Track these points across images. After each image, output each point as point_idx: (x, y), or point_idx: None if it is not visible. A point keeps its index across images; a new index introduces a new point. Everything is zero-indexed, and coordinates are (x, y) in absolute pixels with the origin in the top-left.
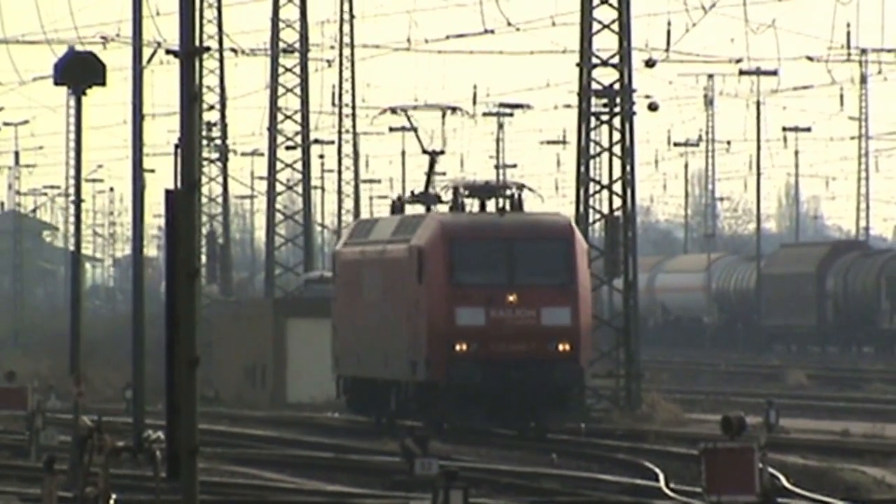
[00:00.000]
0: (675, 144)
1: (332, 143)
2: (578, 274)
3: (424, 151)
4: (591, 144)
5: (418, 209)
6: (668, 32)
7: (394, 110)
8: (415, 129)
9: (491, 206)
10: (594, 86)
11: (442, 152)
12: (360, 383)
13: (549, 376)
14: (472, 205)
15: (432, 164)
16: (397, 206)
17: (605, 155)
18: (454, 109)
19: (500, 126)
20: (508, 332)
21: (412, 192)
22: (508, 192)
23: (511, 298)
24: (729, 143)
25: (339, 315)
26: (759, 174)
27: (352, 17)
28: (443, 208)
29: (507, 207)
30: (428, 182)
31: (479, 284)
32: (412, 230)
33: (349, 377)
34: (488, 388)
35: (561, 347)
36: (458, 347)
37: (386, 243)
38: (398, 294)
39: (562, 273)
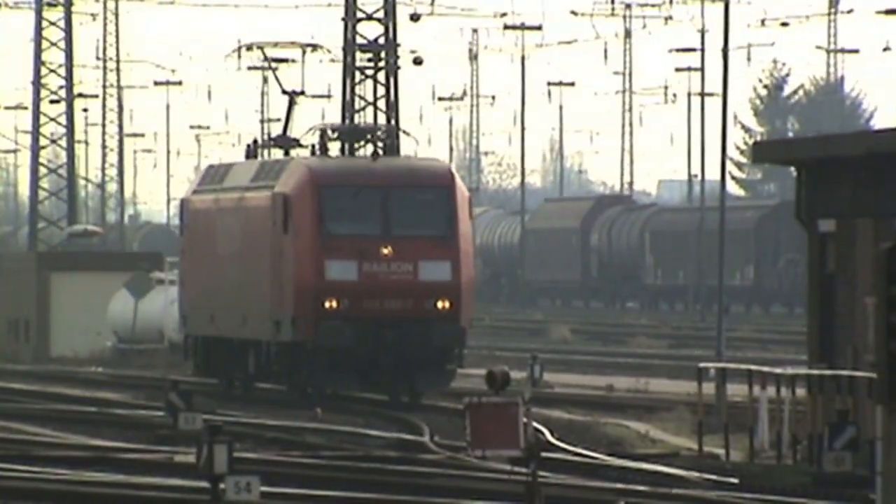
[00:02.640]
0: (440, 99)
1: (97, 97)
2: (459, 225)
3: (284, 92)
4: (356, 99)
5: (276, 155)
6: None
7: (249, 47)
8: (272, 68)
9: (362, 152)
10: (359, 40)
11: (302, 93)
12: (212, 344)
13: (427, 337)
14: (337, 150)
15: (291, 105)
16: (251, 151)
17: (370, 109)
18: (315, 47)
19: (265, 80)
20: (383, 287)
21: (268, 135)
22: (381, 135)
23: (386, 251)
24: (493, 97)
25: (189, 269)
26: (523, 129)
27: None
28: (303, 154)
29: (381, 152)
30: (286, 125)
31: (351, 235)
32: (275, 176)
33: (199, 337)
34: (360, 349)
35: (440, 305)
36: (327, 304)
37: (244, 190)
38: (259, 246)
39: (441, 224)
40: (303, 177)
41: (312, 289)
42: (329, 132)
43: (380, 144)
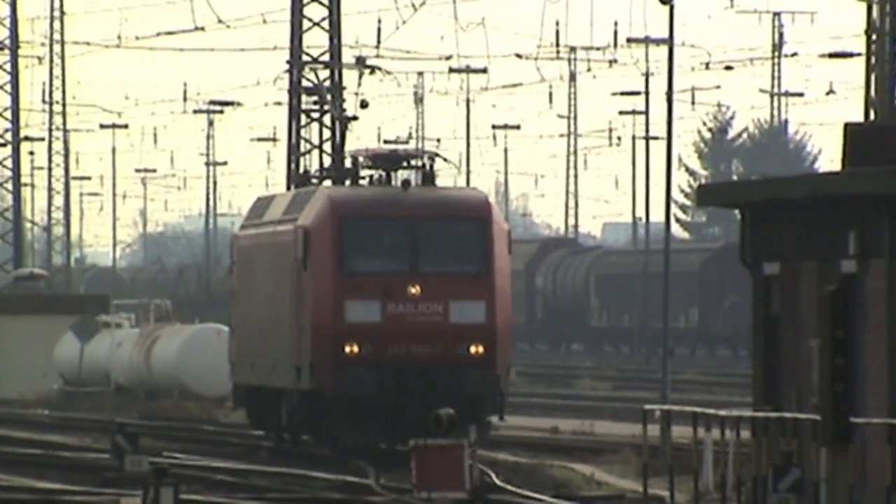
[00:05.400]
0: (386, 142)
1: (43, 140)
2: (496, 261)
3: (334, 119)
4: (302, 142)
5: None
6: (379, 30)
7: (301, 68)
8: (327, 90)
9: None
10: (305, 83)
11: (355, 118)
12: (254, 392)
13: (459, 385)
14: (377, 177)
15: (344, 129)
16: (302, 182)
17: (316, 152)
18: (372, 69)
19: (211, 123)
20: (409, 330)
21: (321, 165)
22: (417, 163)
23: (413, 290)
24: (439, 140)
25: (236, 312)
26: (468, 171)
27: (62, 14)
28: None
29: (415, 180)
30: (341, 153)
31: (375, 273)
32: (300, 207)
33: (243, 385)
34: (384, 398)
35: (473, 350)
36: (347, 349)
37: (276, 224)
38: (284, 284)
39: (475, 260)
40: (323, 208)
41: (331, 332)
42: (361, 158)
43: (416, 173)
